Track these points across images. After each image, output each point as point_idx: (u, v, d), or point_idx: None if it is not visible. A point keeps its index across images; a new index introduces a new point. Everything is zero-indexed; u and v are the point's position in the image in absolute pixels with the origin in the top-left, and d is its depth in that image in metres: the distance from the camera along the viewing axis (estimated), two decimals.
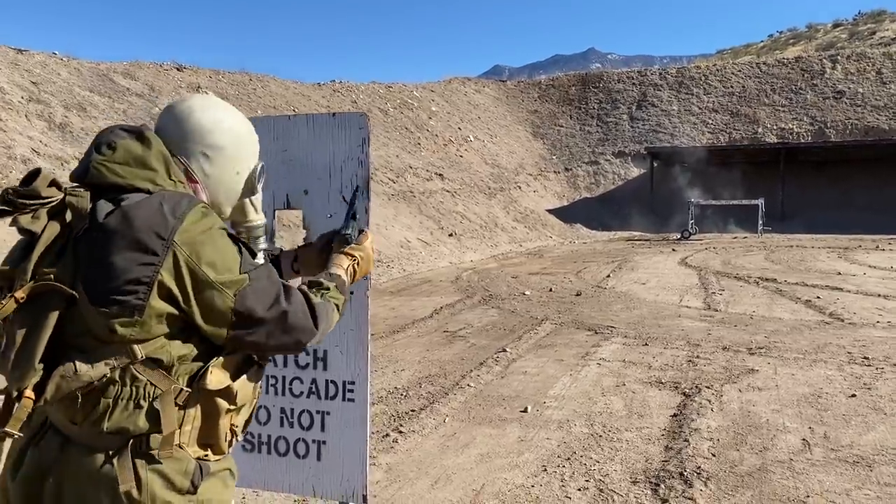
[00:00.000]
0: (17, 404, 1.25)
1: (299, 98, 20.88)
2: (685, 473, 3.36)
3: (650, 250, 17.59)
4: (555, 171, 29.18)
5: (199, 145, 1.43)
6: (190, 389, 1.30)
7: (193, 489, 1.32)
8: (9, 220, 1.28)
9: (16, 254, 1.31)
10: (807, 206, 24.44)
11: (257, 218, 1.67)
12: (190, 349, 1.31)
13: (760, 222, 21.14)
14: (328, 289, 1.50)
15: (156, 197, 1.28)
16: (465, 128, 27.62)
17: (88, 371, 1.24)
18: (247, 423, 1.47)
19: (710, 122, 29.06)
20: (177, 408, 1.30)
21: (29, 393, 1.25)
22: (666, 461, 3.56)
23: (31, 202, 1.27)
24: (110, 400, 1.27)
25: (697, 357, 5.88)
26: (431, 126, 25.51)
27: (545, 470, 3.50)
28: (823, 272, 12.17)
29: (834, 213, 23.54)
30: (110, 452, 1.27)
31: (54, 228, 1.27)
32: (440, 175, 21.30)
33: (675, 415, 4.32)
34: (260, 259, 1.54)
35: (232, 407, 1.36)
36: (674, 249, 17.58)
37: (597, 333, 7.01)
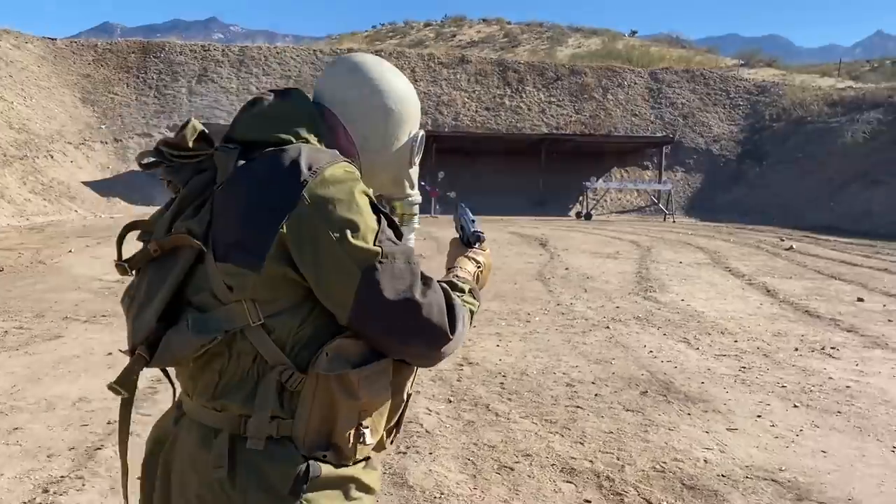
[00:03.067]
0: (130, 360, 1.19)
1: None
2: None
3: None
4: (102, 142, 27.37)
5: (363, 106, 1.32)
6: (304, 373, 1.14)
7: (294, 495, 1.13)
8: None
9: (161, 208, 1.25)
10: None
11: (414, 193, 1.49)
12: (313, 326, 1.16)
13: None
14: (463, 291, 1.32)
15: (294, 148, 1.16)
16: None
17: (199, 333, 1.13)
18: (394, 427, 1.30)
19: None
20: (286, 392, 1.14)
21: (142, 351, 1.17)
22: None
23: (179, 154, 1.22)
24: (216, 372, 1.17)
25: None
26: None
27: None
28: None
29: None
30: (212, 432, 1.16)
31: (198, 182, 1.20)
32: None
33: None
34: (411, 241, 1.39)
35: (353, 401, 1.15)
36: None
37: None
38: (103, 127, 27.94)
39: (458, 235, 1.58)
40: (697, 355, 5.93)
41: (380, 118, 1.34)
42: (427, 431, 3.98)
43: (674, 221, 22.79)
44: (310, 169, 1.13)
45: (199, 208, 1.19)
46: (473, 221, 1.57)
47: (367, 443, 1.20)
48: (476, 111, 30.75)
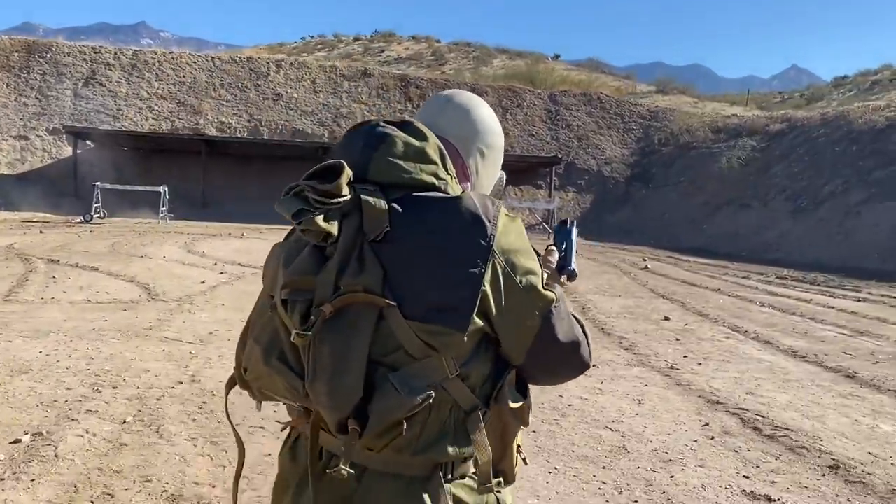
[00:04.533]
0: (340, 436, 1.12)
1: None
2: None
3: (16, 233, 16.64)
4: None
5: (479, 142, 1.34)
6: (488, 410, 1.17)
7: None
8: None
9: (304, 261, 1.14)
10: (231, 197, 26.20)
11: None
12: (489, 363, 1.18)
13: (163, 209, 21.87)
14: None
15: (467, 198, 1.14)
16: None
17: (411, 393, 1.08)
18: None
19: (157, 108, 29.19)
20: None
21: (353, 424, 1.09)
22: None
23: (330, 201, 1.10)
24: (418, 425, 1.12)
25: None
26: None
27: None
28: (134, 255, 12.89)
29: (256, 204, 25.63)
30: (417, 481, 1.14)
31: (350, 231, 1.11)
32: None
33: None
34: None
35: (521, 427, 1.23)
36: (41, 232, 16.97)
37: None
38: None
39: (554, 246, 1.55)
40: None
41: (489, 157, 1.37)
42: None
43: None
44: (488, 219, 1.12)
45: (361, 261, 1.11)
46: (574, 254, 1.58)
47: (526, 463, 1.28)
48: None
